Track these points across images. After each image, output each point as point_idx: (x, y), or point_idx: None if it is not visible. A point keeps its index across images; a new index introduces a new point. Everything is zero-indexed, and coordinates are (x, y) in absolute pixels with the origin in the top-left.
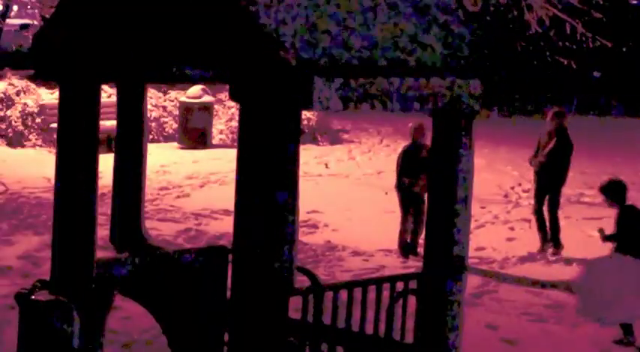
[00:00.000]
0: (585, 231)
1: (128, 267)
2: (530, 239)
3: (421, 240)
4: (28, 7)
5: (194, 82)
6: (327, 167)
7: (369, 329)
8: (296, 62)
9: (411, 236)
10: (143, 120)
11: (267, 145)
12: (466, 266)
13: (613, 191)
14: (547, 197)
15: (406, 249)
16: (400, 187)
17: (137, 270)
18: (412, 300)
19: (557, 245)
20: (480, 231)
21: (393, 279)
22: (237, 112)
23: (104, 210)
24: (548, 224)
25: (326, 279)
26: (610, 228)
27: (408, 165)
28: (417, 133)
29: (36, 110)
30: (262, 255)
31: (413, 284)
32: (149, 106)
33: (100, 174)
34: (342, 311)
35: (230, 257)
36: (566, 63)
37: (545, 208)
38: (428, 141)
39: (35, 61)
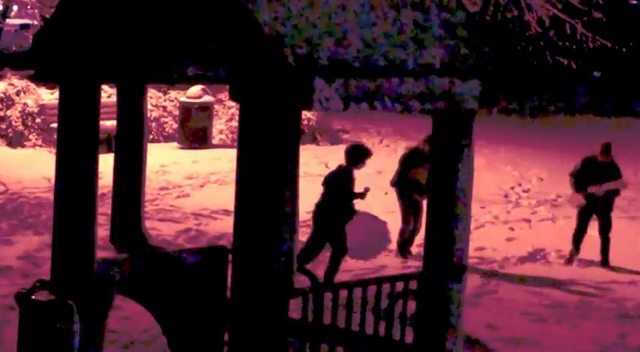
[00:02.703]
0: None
1: (128, 267)
2: (530, 239)
3: (421, 240)
4: (28, 7)
5: (194, 82)
6: (327, 167)
7: (370, 329)
8: (296, 62)
9: (408, 235)
10: (143, 120)
11: (267, 145)
12: (466, 266)
13: None
14: (598, 220)
15: (402, 248)
16: (401, 192)
17: (137, 270)
18: (412, 300)
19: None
20: (480, 231)
21: (393, 279)
22: (237, 112)
23: (104, 210)
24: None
25: None
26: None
27: (409, 169)
28: (425, 143)
29: (36, 110)
30: (262, 255)
31: (413, 285)
32: (149, 106)
33: (100, 174)
34: (342, 311)
35: (230, 257)
36: (566, 63)
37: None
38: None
39: (35, 61)
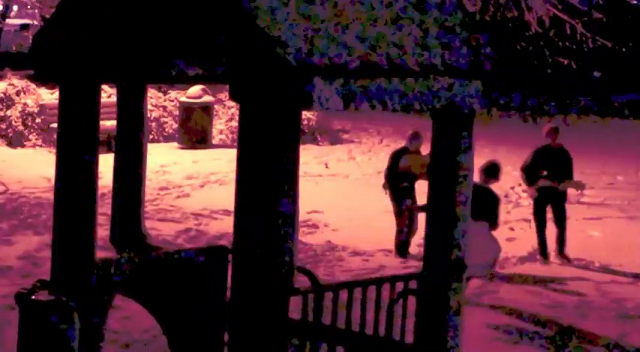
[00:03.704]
0: (585, 230)
1: (128, 267)
2: (530, 239)
3: (421, 240)
4: (28, 7)
5: (194, 82)
6: (327, 167)
7: (369, 329)
8: (296, 62)
9: (404, 235)
10: (143, 120)
11: (267, 145)
12: (466, 266)
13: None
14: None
15: (402, 248)
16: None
17: (137, 270)
18: (412, 300)
19: (562, 250)
20: None
21: (393, 279)
22: (237, 112)
23: (104, 210)
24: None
25: (326, 279)
26: (609, 229)
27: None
28: (410, 139)
29: (36, 110)
30: (262, 255)
31: (413, 285)
32: (149, 106)
33: (100, 174)
34: (342, 311)
35: (230, 257)
36: (566, 63)
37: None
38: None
39: (35, 61)
